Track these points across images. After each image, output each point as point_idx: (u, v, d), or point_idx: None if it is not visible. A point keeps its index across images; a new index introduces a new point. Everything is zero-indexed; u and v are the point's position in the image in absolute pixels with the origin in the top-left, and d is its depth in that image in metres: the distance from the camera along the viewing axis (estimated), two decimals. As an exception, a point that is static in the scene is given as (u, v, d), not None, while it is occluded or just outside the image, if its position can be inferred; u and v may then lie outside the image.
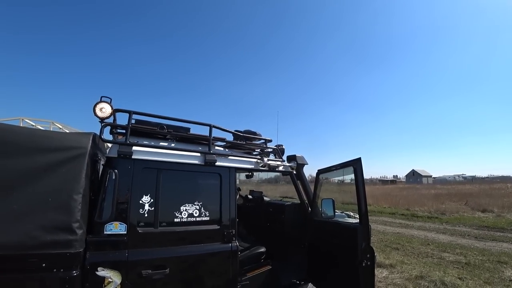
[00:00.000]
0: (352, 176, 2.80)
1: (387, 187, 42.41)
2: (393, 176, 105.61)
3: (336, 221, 3.04)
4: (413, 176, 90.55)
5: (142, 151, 2.32)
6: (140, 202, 2.21)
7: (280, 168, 3.27)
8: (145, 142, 2.40)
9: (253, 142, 3.17)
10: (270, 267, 3.19)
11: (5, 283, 1.72)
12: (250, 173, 4.56)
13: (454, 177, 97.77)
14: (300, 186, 3.48)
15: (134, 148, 2.27)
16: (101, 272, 1.94)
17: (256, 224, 4.24)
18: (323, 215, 3.21)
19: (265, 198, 4.48)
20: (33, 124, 8.62)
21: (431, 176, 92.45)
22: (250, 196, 4.75)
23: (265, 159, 3.03)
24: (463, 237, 9.03)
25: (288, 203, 3.81)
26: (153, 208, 2.25)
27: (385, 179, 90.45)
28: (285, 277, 3.36)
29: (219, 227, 2.51)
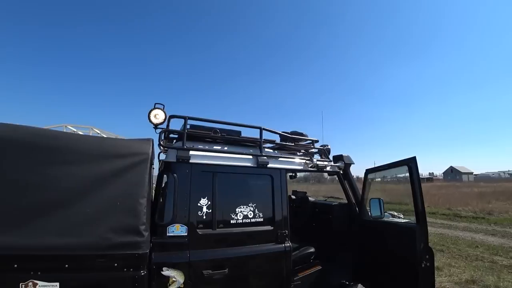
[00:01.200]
0: (403, 175, 2.76)
1: (424, 185, 39.98)
2: (429, 173, 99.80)
3: (389, 221, 2.99)
4: (452, 173, 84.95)
5: (198, 155, 2.43)
6: (199, 204, 2.33)
7: (328, 168, 3.27)
8: (200, 146, 2.52)
9: (300, 143, 3.20)
10: (320, 267, 3.21)
11: (82, 280, 1.89)
12: (293, 174, 4.60)
13: (499, 174, 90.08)
14: (348, 186, 3.45)
15: (191, 152, 2.39)
16: (166, 272, 2.08)
17: (301, 224, 4.27)
18: (371, 215, 3.17)
19: (309, 198, 4.49)
20: (75, 130, 9.27)
21: (472, 173, 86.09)
22: (293, 196, 4.79)
23: (314, 159, 3.06)
24: (517, 240, 8.37)
25: (335, 203, 3.80)
26: (210, 210, 2.36)
27: (421, 176, 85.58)
28: (334, 277, 3.37)
29: (272, 228, 2.58)
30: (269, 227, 2.58)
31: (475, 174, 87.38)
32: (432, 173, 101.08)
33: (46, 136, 2.07)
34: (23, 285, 1.78)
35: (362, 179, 3.41)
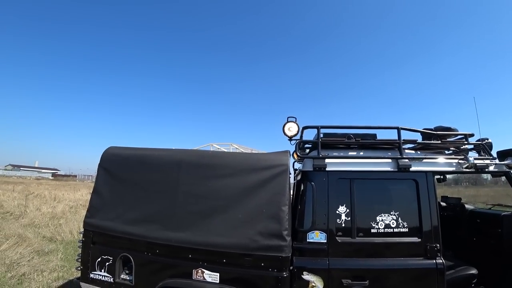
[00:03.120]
0: None
1: None
2: None
3: None
4: None
5: (334, 163, 2.41)
6: (337, 212, 2.31)
7: (491, 168, 2.61)
8: (335, 154, 2.48)
9: (448, 139, 2.69)
10: None
11: (235, 274, 2.21)
12: (442, 177, 3.88)
13: None
14: None
15: (327, 160, 2.40)
16: (306, 276, 2.15)
17: (454, 238, 3.54)
18: None
19: (466, 206, 3.66)
20: (218, 147, 10.97)
21: None
22: (443, 204, 4.03)
23: (471, 158, 2.50)
24: None
25: (507, 213, 2.95)
26: (349, 218, 2.30)
27: None
28: None
29: (420, 240, 2.28)
30: (415, 239, 2.29)
31: None
32: None
33: (207, 156, 2.56)
34: (195, 271, 2.26)
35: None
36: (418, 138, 2.70)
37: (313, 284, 2.17)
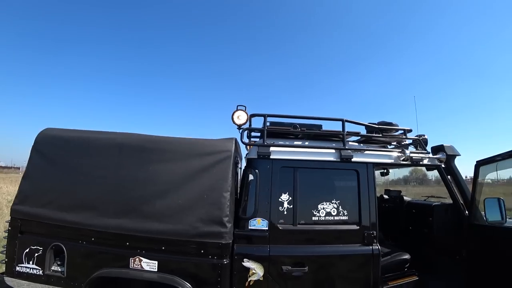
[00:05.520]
0: None
1: None
2: None
3: None
4: None
5: (279, 151, 2.45)
6: (280, 200, 2.34)
7: (425, 162, 2.82)
8: (281, 142, 2.52)
9: (390, 134, 2.86)
10: (416, 277, 2.79)
11: (174, 262, 2.16)
12: (385, 171, 4.15)
13: None
14: (452, 183, 2.89)
15: (272, 148, 2.42)
16: (247, 263, 2.16)
17: (394, 227, 3.79)
18: (487, 219, 2.56)
19: (405, 197, 3.96)
20: None
21: None
22: (386, 196, 4.32)
23: (407, 151, 2.68)
24: None
25: (437, 203, 3.22)
26: (291, 206, 2.34)
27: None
28: None
29: (358, 227, 2.40)
30: (354, 227, 2.40)
31: None
32: None
33: (151, 140, 2.46)
34: (132, 260, 2.16)
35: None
36: (363, 131, 2.84)
37: (254, 271, 2.18)
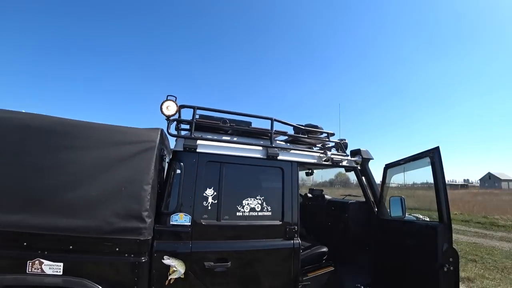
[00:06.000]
0: (424, 169, 2.54)
1: (457, 192, 37.77)
2: (464, 180, 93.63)
3: (410, 221, 2.78)
4: (489, 180, 78.86)
5: (206, 145, 2.41)
6: (204, 194, 2.30)
7: (344, 163, 3.10)
8: (209, 136, 2.49)
9: (314, 135, 3.06)
10: (332, 268, 3.05)
11: (84, 263, 1.93)
12: (310, 171, 4.44)
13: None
14: (366, 183, 3.25)
15: (199, 142, 2.37)
16: (167, 260, 2.06)
17: (316, 223, 4.11)
18: (391, 214, 2.96)
19: (326, 196, 4.31)
20: None
21: (512, 180, 79.56)
22: (309, 195, 4.64)
23: (329, 153, 2.91)
24: None
25: (352, 201, 3.59)
26: (216, 201, 2.32)
27: (455, 183, 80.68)
28: (349, 280, 3.18)
29: (281, 222, 2.49)
30: (277, 222, 2.49)
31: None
32: (468, 179, 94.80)
33: (64, 123, 2.15)
34: (30, 263, 1.84)
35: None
36: (290, 132, 2.97)
37: (174, 268, 2.08)
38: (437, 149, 2.45)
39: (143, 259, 1.99)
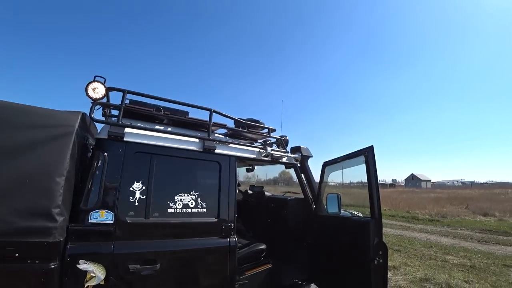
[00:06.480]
0: (360, 167, 2.63)
1: (387, 191, 42.28)
2: (392, 180, 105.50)
3: (344, 217, 2.86)
4: (412, 180, 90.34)
5: (135, 134, 2.13)
6: (131, 189, 2.03)
7: (284, 160, 3.08)
8: (140, 125, 2.22)
9: (256, 131, 2.97)
10: (270, 265, 3.01)
11: None
12: (251, 167, 4.36)
13: (453, 182, 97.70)
14: (304, 180, 3.28)
15: (127, 129, 2.09)
16: (83, 265, 1.73)
17: (256, 220, 4.05)
18: (328, 211, 3.03)
19: (266, 193, 4.28)
20: None
21: (430, 180, 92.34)
22: (250, 191, 4.56)
23: (268, 148, 2.84)
24: (466, 240, 8.86)
25: (291, 198, 3.61)
26: (144, 197, 2.06)
27: (384, 182, 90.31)
28: (287, 276, 3.18)
29: (216, 220, 2.33)
30: (212, 219, 2.33)
31: (432, 182, 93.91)
32: (395, 179, 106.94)
33: None
34: None
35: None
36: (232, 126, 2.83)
37: (92, 274, 1.76)
38: (371, 148, 2.55)
39: (53, 265, 1.64)
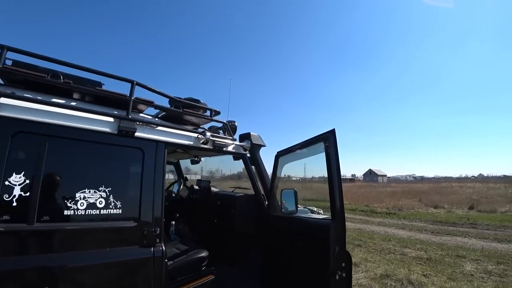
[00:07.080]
0: (319, 155, 2.15)
1: (346, 185, 44.01)
2: (352, 175, 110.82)
3: (300, 218, 2.37)
4: (370, 175, 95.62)
5: (16, 106, 1.48)
6: (7, 183, 1.40)
7: (230, 148, 2.53)
8: (29, 96, 1.56)
9: (193, 112, 2.36)
10: (213, 276, 2.44)
11: None
12: (196, 159, 3.71)
13: (406, 177, 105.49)
14: (255, 173, 2.75)
15: (2, 100, 1.44)
16: None
17: (201, 220, 3.43)
18: (283, 209, 2.53)
19: (212, 188, 3.65)
20: None
21: (386, 175, 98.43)
22: (196, 187, 3.91)
23: (208, 133, 2.27)
24: (421, 232, 9.12)
25: (240, 194, 3.06)
26: (28, 194, 1.45)
27: (344, 177, 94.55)
28: (234, 287, 2.64)
29: (136, 224, 1.75)
30: (130, 223, 1.74)
31: (388, 176, 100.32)
32: (354, 174, 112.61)
33: None
34: None
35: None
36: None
37: None
38: (332, 133, 2.03)
39: None
